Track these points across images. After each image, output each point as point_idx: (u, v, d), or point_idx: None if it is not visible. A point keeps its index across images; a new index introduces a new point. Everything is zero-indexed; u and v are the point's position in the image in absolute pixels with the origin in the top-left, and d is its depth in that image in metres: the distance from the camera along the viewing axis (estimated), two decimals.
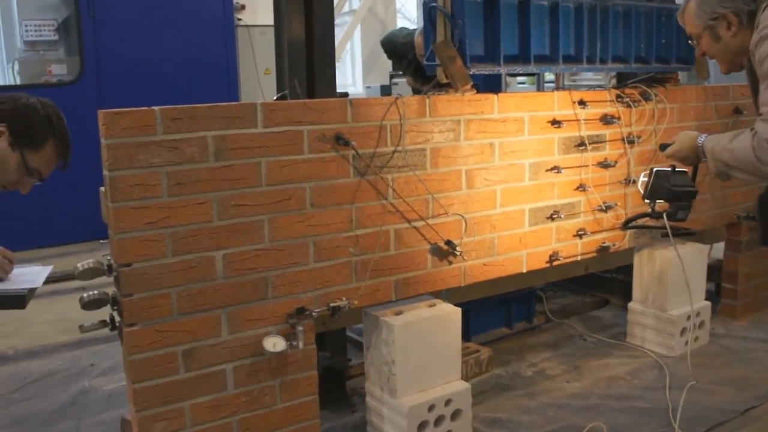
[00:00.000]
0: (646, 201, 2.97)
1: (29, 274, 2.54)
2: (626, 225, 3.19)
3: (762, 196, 2.76)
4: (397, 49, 5.43)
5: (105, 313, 2.39)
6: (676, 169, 2.87)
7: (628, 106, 3.40)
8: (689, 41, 2.70)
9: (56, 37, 6.51)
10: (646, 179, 2.95)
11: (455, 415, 2.85)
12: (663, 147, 2.80)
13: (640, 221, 3.14)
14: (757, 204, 2.80)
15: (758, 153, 2.26)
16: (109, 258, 2.34)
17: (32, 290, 2.44)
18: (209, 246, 2.38)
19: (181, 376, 2.39)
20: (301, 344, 2.53)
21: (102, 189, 2.35)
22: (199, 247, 2.37)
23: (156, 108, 2.26)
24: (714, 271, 4.38)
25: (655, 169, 2.92)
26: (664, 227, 2.95)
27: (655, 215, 2.94)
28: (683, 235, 3.07)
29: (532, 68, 3.11)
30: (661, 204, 3.04)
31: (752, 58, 2.38)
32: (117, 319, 2.37)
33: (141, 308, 2.30)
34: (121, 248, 2.25)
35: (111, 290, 2.37)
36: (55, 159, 2.48)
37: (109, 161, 2.21)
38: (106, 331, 2.42)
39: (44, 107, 2.44)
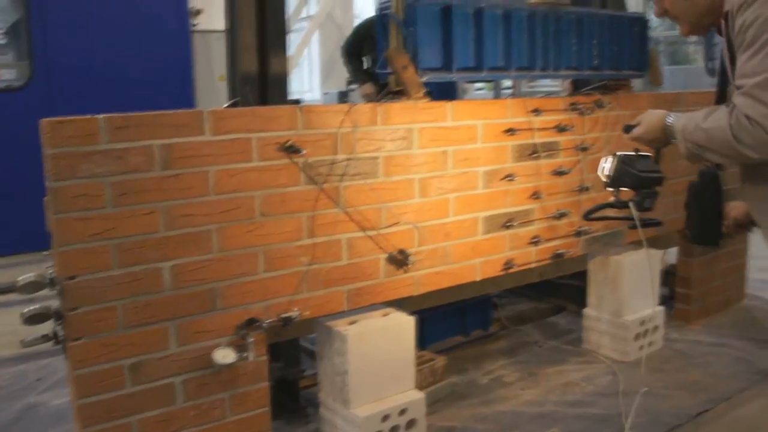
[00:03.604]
0: (609, 189, 2.66)
1: None
2: (587, 216, 2.95)
3: (693, 185, 2.54)
4: (361, 40, 5.46)
5: (50, 325, 2.34)
6: (640, 153, 2.62)
7: (582, 113, 3.43)
8: None
9: (5, 41, 6.39)
10: (608, 165, 2.64)
11: (410, 424, 2.84)
12: (627, 128, 2.52)
13: (602, 212, 2.89)
14: (687, 193, 2.55)
15: (736, 131, 1.99)
16: (52, 270, 2.29)
17: None
18: (156, 257, 2.34)
19: (128, 390, 2.34)
20: (251, 356, 2.51)
21: (46, 199, 2.30)
22: (145, 258, 2.32)
23: (100, 116, 2.21)
24: (668, 275, 4.45)
25: (619, 154, 2.62)
26: (629, 217, 2.67)
27: (620, 205, 2.64)
28: (649, 225, 2.81)
29: (486, 76, 3.12)
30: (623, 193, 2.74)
31: (730, 22, 2.07)
32: (61, 333, 2.32)
33: (86, 322, 2.25)
34: (65, 261, 2.21)
35: (55, 303, 2.32)
36: None
37: (52, 171, 2.16)
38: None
39: None
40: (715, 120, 2.07)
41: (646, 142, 2.45)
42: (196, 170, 2.39)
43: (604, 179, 2.65)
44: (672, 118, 2.27)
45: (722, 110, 2.06)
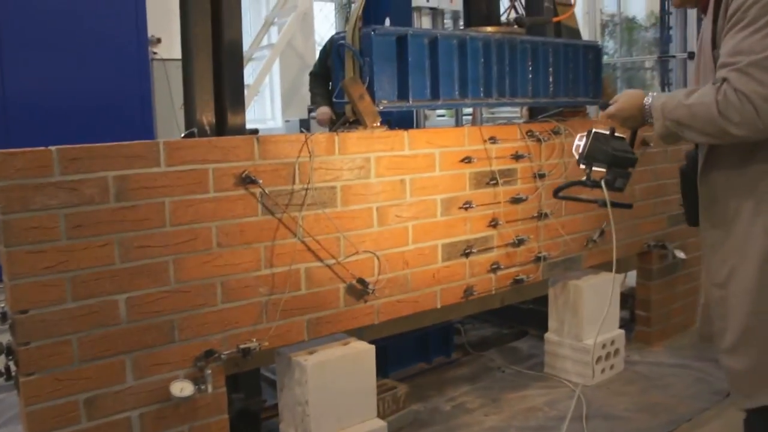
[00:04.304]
0: (582, 166, 2.60)
1: None
2: (557, 193, 2.87)
3: (682, 169, 2.52)
4: (326, 58, 5.49)
5: (2, 360, 2.30)
6: (616, 134, 2.56)
7: (539, 141, 3.49)
8: None
9: None
10: (581, 142, 2.58)
11: None
12: (603, 106, 2.49)
13: (572, 190, 2.81)
14: (679, 179, 2.54)
15: (722, 107, 1.95)
16: (4, 304, 2.26)
17: None
18: (111, 289, 2.33)
19: (83, 425, 2.31)
20: (210, 388, 2.49)
21: None
22: (100, 290, 2.31)
23: (53, 148, 2.21)
24: (628, 299, 4.52)
25: (594, 130, 2.55)
26: (597, 200, 2.62)
27: (591, 183, 2.59)
28: (619, 207, 2.70)
29: (442, 104, 3.16)
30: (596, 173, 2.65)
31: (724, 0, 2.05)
32: (13, 368, 2.29)
33: (39, 357, 2.22)
34: (17, 294, 2.18)
35: (7, 338, 2.29)
36: None
37: (2, 204, 2.14)
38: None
39: None
40: (699, 96, 2.04)
41: (621, 120, 2.40)
42: (151, 201, 2.38)
43: (576, 156, 2.61)
44: (650, 99, 2.25)
45: (708, 87, 2.03)
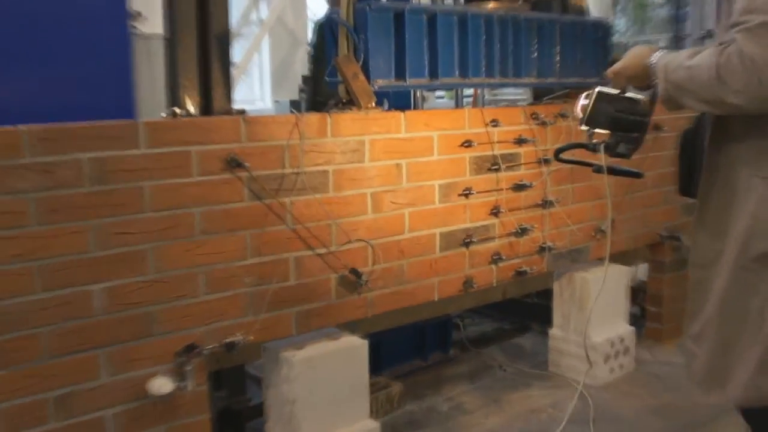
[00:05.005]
0: (584, 128, 2.42)
1: None
2: (557, 155, 2.71)
3: (685, 132, 2.33)
4: None
5: None
6: (628, 95, 2.35)
7: (543, 124, 3.47)
8: None
9: None
10: (586, 102, 2.38)
11: None
12: (611, 62, 2.37)
13: (576, 153, 2.65)
14: (679, 141, 2.33)
15: (723, 71, 1.81)
16: None
17: None
18: (86, 279, 2.31)
19: (52, 426, 2.29)
20: (190, 385, 2.48)
21: None
22: (73, 280, 2.29)
23: (23, 127, 2.18)
24: (639, 293, 4.50)
25: (598, 89, 2.36)
26: (599, 166, 2.46)
27: (591, 147, 2.42)
28: (624, 174, 2.58)
29: (441, 84, 3.14)
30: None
31: None
32: None
33: (5, 352, 2.20)
34: None
35: None
36: None
37: None
38: None
39: None
40: (701, 58, 1.90)
41: (626, 78, 2.26)
42: (130, 185, 2.36)
43: (580, 115, 2.43)
44: (656, 57, 2.11)
45: (711, 48, 1.89)
